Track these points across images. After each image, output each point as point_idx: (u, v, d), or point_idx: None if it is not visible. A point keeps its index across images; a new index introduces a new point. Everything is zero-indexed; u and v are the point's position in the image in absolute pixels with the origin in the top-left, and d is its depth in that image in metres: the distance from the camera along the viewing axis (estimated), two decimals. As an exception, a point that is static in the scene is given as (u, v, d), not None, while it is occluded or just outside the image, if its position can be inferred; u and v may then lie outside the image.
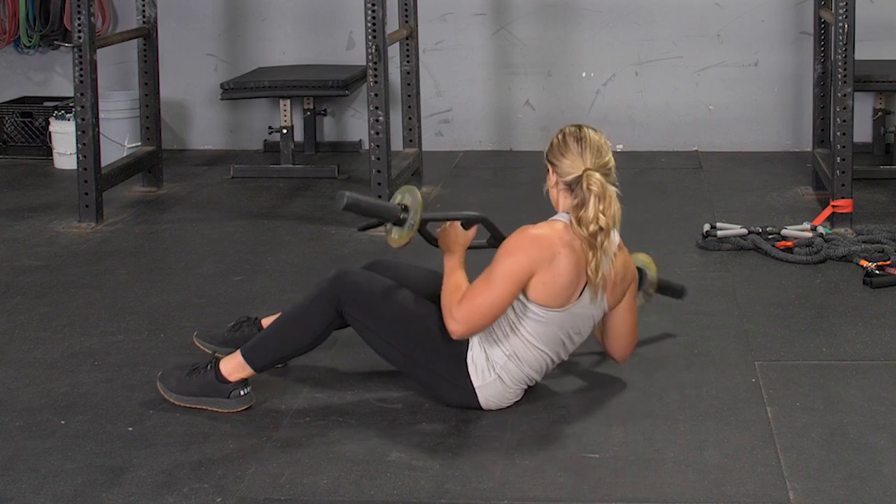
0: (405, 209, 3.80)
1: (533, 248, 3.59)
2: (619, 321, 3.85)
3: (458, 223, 3.81)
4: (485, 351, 3.67)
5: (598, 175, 3.60)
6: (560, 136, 3.68)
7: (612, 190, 3.63)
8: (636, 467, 3.36)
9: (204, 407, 3.74)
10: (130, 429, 3.64)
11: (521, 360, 3.66)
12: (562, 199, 3.69)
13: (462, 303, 3.59)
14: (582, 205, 3.59)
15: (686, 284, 4.38)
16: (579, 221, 3.59)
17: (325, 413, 3.73)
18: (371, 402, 3.80)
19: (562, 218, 3.67)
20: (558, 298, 3.61)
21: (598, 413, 3.71)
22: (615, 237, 3.71)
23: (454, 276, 3.69)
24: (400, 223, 3.81)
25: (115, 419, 3.70)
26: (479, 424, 3.63)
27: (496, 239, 3.93)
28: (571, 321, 3.67)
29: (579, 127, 3.69)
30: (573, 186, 3.63)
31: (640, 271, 4.10)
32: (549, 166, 3.68)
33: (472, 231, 3.83)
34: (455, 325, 3.60)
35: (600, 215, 3.57)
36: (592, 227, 3.57)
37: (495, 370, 3.66)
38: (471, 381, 3.67)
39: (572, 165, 3.62)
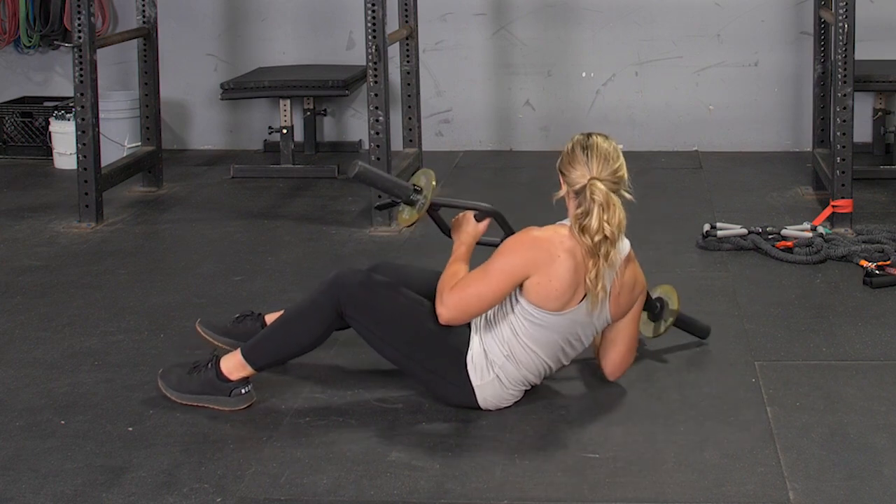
0: (417, 190, 3.84)
1: (532, 249, 3.59)
2: (617, 334, 3.82)
3: (471, 214, 3.83)
4: (484, 350, 3.67)
5: (601, 184, 3.56)
6: (569, 146, 3.67)
7: (616, 199, 3.58)
8: (636, 467, 3.36)
9: (205, 405, 3.74)
10: (130, 429, 3.64)
11: (519, 362, 3.66)
12: (572, 208, 3.67)
13: (454, 290, 3.62)
14: (586, 214, 3.56)
15: (709, 325, 4.29)
16: (582, 230, 3.55)
17: (325, 413, 3.73)
18: (371, 402, 3.80)
19: (564, 222, 3.67)
20: (553, 302, 3.60)
21: (598, 413, 3.71)
22: (624, 247, 3.69)
23: (454, 265, 3.73)
24: (411, 203, 3.86)
25: (115, 419, 3.70)
26: (479, 424, 3.63)
27: (506, 236, 3.93)
28: (570, 327, 3.66)
29: (588, 135, 3.66)
30: (579, 195, 3.61)
31: (661, 300, 4.12)
32: (560, 176, 3.67)
33: (485, 224, 3.86)
34: (443, 309, 3.63)
35: (605, 224, 3.54)
36: (597, 237, 3.54)
37: (493, 370, 3.66)
38: (470, 381, 3.67)
39: (580, 175, 3.60)
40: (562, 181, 3.68)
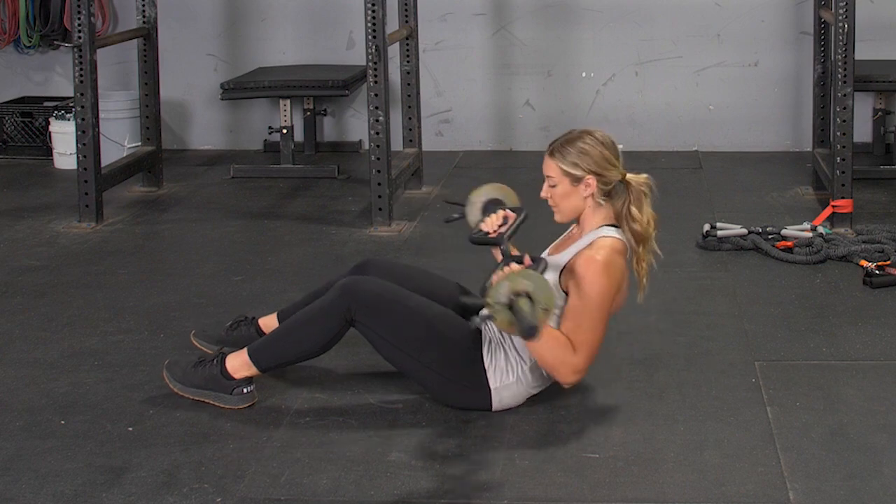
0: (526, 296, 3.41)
1: (610, 274, 3.60)
2: None
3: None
4: (505, 353, 3.67)
5: (643, 175, 3.72)
6: (597, 145, 3.66)
7: None
8: (636, 467, 3.36)
9: (206, 400, 3.74)
10: (130, 429, 3.64)
11: None
12: (595, 211, 3.69)
13: (579, 351, 3.59)
14: (636, 206, 3.66)
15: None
16: (635, 220, 3.66)
17: (325, 413, 3.73)
18: (371, 402, 3.80)
19: (608, 233, 3.67)
20: (616, 306, 3.72)
21: (598, 413, 3.71)
22: None
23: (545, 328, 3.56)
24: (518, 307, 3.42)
25: (115, 419, 3.70)
26: (479, 424, 3.63)
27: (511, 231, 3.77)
28: (608, 320, 3.75)
29: (600, 132, 3.71)
30: (612, 192, 3.68)
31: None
32: (593, 178, 3.65)
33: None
34: (577, 376, 3.63)
35: (650, 211, 3.70)
36: (651, 226, 3.68)
37: (517, 372, 3.67)
38: (487, 383, 3.66)
39: (617, 172, 3.68)
40: (592, 182, 3.66)
